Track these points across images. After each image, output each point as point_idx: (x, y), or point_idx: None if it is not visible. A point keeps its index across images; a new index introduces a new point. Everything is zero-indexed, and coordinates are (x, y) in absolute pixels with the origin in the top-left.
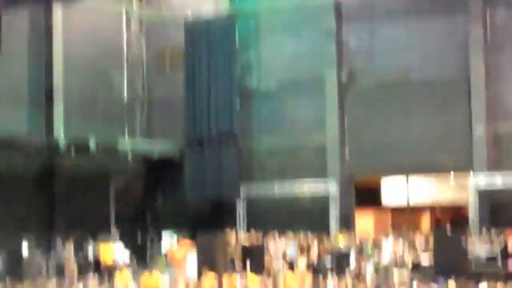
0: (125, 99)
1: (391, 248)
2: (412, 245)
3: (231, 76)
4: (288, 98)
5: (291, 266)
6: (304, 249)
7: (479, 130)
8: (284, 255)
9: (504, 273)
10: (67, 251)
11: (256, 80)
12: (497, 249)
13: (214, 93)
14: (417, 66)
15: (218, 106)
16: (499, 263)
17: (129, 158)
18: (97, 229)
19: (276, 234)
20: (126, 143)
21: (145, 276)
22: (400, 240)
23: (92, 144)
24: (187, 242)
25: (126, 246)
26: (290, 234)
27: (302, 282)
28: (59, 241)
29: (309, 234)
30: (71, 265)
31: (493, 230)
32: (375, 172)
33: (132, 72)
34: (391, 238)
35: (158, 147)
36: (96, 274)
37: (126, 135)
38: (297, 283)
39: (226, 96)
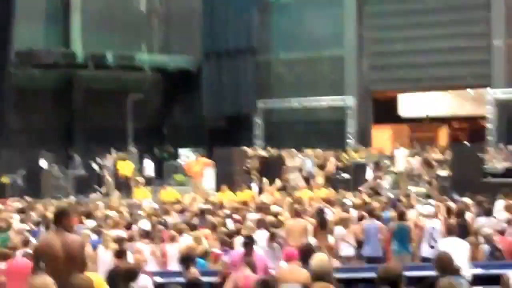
0: (143, 12)
1: (404, 158)
2: (429, 159)
3: None
4: (306, 11)
5: (308, 181)
6: (321, 164)
7: (498, 42)
8: (301, 170)
9: None
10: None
11: None
12: None
13: (232, 6)
14: None
15: (236, 18)
16: None
17: (147, 71)
18: (114, 143)
19: (293, 149)
20: (144, 57)
21: (164, 192)
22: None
23: (109, 57)
24: (204, 157)
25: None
26: (307, 149)
27: (319, 196)
28: (77, 156)
29: (326, 149)
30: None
31: (510, 146)
32: (393, 87)
33: None
34: (402, 148)
35: (176, 60)
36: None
37: (144, 48)
38: (313, 197)
39: (244, 8)
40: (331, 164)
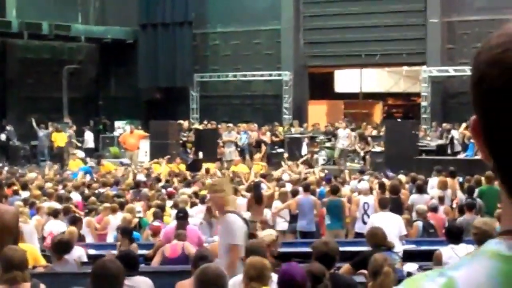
0: None
1: (346, 136)
2: (364, 134)
3: None
4: None
5: (243, 154)
6: (257, 139)
7: (434, 19)
8: (236, 144)
9: (454, 161)
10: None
11: None
12: (446, 140)
13: None
14: None
15: None
16: (448, 151)
17: (83, 42)
18: (49, 114)
19: (229, 123)
20: (80, 27)
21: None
22: (352, 129)
23: (45, 27)
24: (140, 130)
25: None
26: (242, 124)
27: (254, 170)
28: (10, 126)
29: (262, 123)
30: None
31: (444, 124)
32: (329, 63)
33: None
34: (347, 129)
35: (112, 31)
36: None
37: (80, 19)
38: (248, 170)
39: None
40: (266, 138)
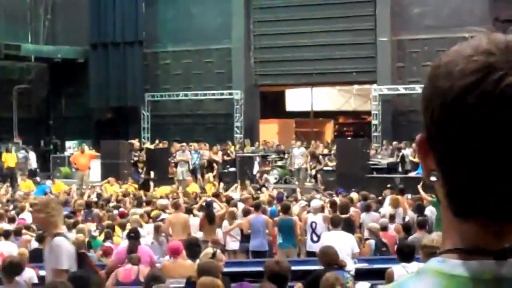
0: (29, 1)
1: (300, 154)
2: (316, 153)
3: None
4: (194, 3)
5: (194, 174)
6: (208, 158)
7: (384, 38)
8: (188, 164)
9: (404, 179)
10: None
11: None
12: (397, 158)
13: None
14: None
15: (123, 9)
16: (400, 169)
17: (33, 62)
18: (0, 134)
19: (182, 143)
20: (30, 46)
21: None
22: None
23: None
24: (91, 150)
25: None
26: (194, 143)
27: (205, 190)
28: None
29: (214, 143)
30: None
31: (394, 142)
32: (280, 82)
33: None
34: (302, 147)
35: (62, 51)
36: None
37: (30, 38)
38: (200, 190)
39: None
40: (218, 157)
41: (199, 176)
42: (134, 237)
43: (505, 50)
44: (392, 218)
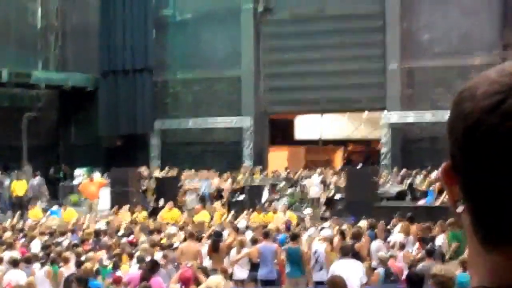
0: (39, 28)
1: (319, 183)
2: (323, 182)
3: (147, 6)
4: (203, 30)
5: (203, 202)
6: (217, 187)
7: (393, 65)
8: (198, 191)
9: (413, 208)
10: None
11: (172, 10)
12: (406, 186)
13: (129, 23)
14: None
15: (133, 37)
16: (408, 199)
17: (43, 89)
18: (9, 162)
19: (190, 170)
20: (40, 74)
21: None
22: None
23: (4, 74)
24: (100, 177)
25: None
26: (203, 170)
27: (215, 218)
28: None
29: (223, 170)
30: None
31: (404, 169)
32: (289, 109)
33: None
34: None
35: (72, 78)
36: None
37: (40, 65)
38: (209, 218)
39: (141, 27)
40: (227, 185)
41: (208, 204)
42: (151, 268)
43: None
44: (402, 246)
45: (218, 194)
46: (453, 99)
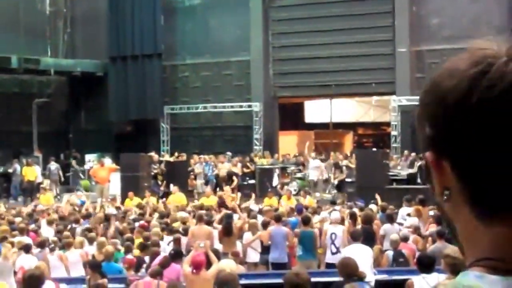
0: (48, 14)
1: (317, 166)
2: (335, 164)
3: None
4: (212, 15)
5: (207, 184)
6: (228, 170)
7: (403, 49)
8: (206, 176)
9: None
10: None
11: None
12: (417, 169)
13: (137, 9)
14: None
15: (142, 22)
16: (419, 181)
17: (52, 75)
18: (19, 148)
19: (201, 155)
20: (49, 60)
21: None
22: (323, 159)
23: (14, 61)
24: (110, 163)
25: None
26: (211, 155)
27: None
28: None
29: (233, 155)
30: None
31: (413, 153)
32: (299, 94)
33: None
34: (316, 159)
35: (82, 64)
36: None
37: (49, 52)
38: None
39: (150, 12)
40: (237, 169)
41: (208, 188)
42: (173, 255)
43: (501, 44)
44: (416, 228)
45: (229, 179)
46: (426, 86)
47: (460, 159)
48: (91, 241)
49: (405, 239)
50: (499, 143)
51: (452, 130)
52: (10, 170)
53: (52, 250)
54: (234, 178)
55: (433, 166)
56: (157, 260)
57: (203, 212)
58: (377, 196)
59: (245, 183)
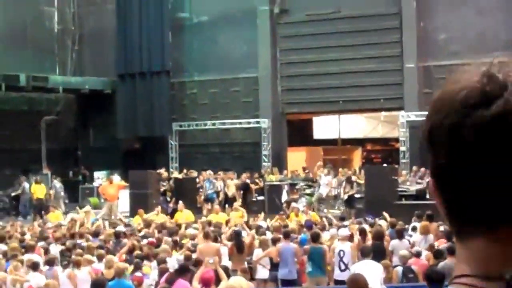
0: (57, 32)
1: (326, 183)
2: (347, 179)
3: (163, 9)
4: (220, 32)
5: (207, 202)
6: (237, 186)
7: (410, 64)
8: (218, 193)
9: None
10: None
11: (188, 13)
12: (425, 185)
13: (145, 27)
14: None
15: (149, 40)
16: (427, 196)
17: (60, 93)
18: (28, 166)
19: (209, 171)
20: (57, 78)
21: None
22: (332, 175)
23: (22, 79)
24: (119, 180)
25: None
26: (220, 172)
27: (234, 219)
28: None
29: (242, 171)
30: None
31: (422, 168)
32: (307, 110)
33: (63, 3)
34: (329, 175)
35: (90, 82)
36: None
37: (57, 69)
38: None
39: (158, 29)
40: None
41: (208, 205)
42: (179, 271)
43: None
44: (431, 246)
45: (244, 191)
46: (429, 112)
47: (436, 177)
48: (100, 258)
49: (417, 254)
50: (461, 163)
51: (449, 150)
52: (19, 191)
53: (64, 267)
54: (252, 186)
55: (434, 191)
56: (164, 277)
57: (210, 229)
58: (385, 214)
59: (254, 199)
